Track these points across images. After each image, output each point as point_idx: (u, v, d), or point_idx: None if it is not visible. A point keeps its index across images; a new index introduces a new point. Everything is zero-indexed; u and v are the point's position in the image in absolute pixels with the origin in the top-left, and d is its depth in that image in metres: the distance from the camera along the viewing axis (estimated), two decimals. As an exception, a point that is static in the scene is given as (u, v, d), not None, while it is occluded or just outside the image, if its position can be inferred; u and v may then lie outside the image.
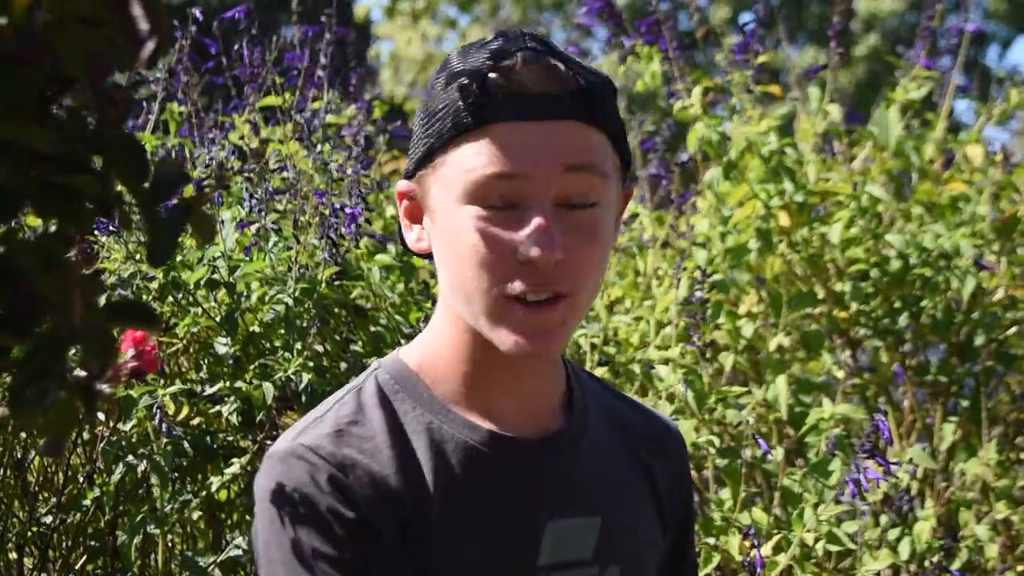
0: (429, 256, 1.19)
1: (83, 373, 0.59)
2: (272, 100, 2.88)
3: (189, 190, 0.60)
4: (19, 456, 2.26)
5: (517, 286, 1.09)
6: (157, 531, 2.11)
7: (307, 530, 1.09)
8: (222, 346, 2.25)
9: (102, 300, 0.59)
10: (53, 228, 0.56)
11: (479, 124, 1.10)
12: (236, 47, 2.98)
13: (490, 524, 1.14)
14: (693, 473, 2.80)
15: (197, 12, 2.89)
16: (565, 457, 1.19)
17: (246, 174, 2.41)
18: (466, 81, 1.11)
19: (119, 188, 0.58)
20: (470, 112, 1.11)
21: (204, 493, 2.18)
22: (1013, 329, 2.96)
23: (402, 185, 1.19)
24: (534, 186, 1.09)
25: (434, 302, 1.61)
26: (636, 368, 2.49)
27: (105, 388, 0.59)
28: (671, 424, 1.36)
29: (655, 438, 1.31)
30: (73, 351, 0.61)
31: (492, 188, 1.10)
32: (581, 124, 1.12)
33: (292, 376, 2.15)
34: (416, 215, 1.19)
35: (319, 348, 2.28)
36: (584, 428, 1.22)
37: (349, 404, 1.17)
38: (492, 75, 1.11)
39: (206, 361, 2.32)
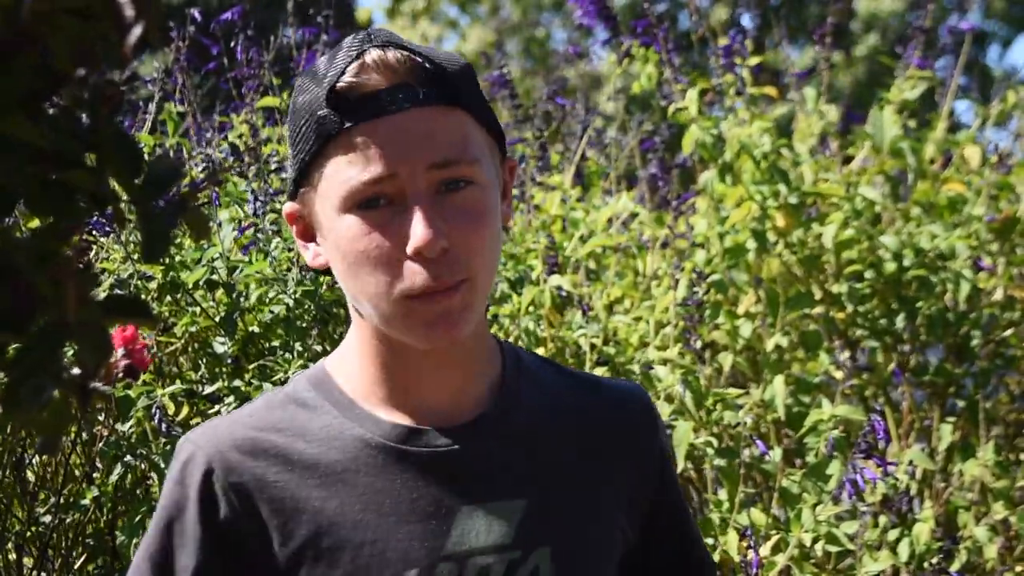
0: (328, 272, 1.20)
1: (77, 371, 0.59)
2: (270, 101, 2.88)
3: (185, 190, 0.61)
4: (18, 456, 2.26)
5: (417, 284, 1.11)
6: (156, 531, 2.11)
7: (168, 521, 1.15)
8: (220, 346, 2.25)
9: (100, 296, 0.59)
10: (48, 224, 0.56)
11: (340, 131, 1.12)
12: (233, 47, 2.98)
13: (389, 515, 1.15)
14: (692, 473, 2.81)
15: (196, 13, 2.89)
16: (485, 442, 1.19)
17: (240, 170, 2.41)
18: (320, 93, 1.13)
19: (114, 185, 0.58)
20: (328, 122, 1.12)
21: (203, 493, 2.17)
22: (1011, 330, 2.96)
23: (288, 207, 1.21)
24: (407, 182, 1.11)
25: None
26: (635, 368, 2.49)
27: (100, 386, 0.59)
28: (631, 394, 1.32)
29: (608, 413, 1.29)
30: (68, 349, 0.61)
31: (367, 192, 1.11)
32: (440, 107, 1.12)
33: (292, 376, 2.15)
34: (309, 234, 1.20)
35: (318, 348, 2.28)
36: (508, 411, 1.22)
37: (257, 404, 1.21)
38: (343, 81, 1.12)
39: (205, 361, 2.32)
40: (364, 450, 1.16)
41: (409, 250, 1.10)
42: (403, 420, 1.19)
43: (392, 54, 1.13)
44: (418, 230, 1.09)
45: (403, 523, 1.15)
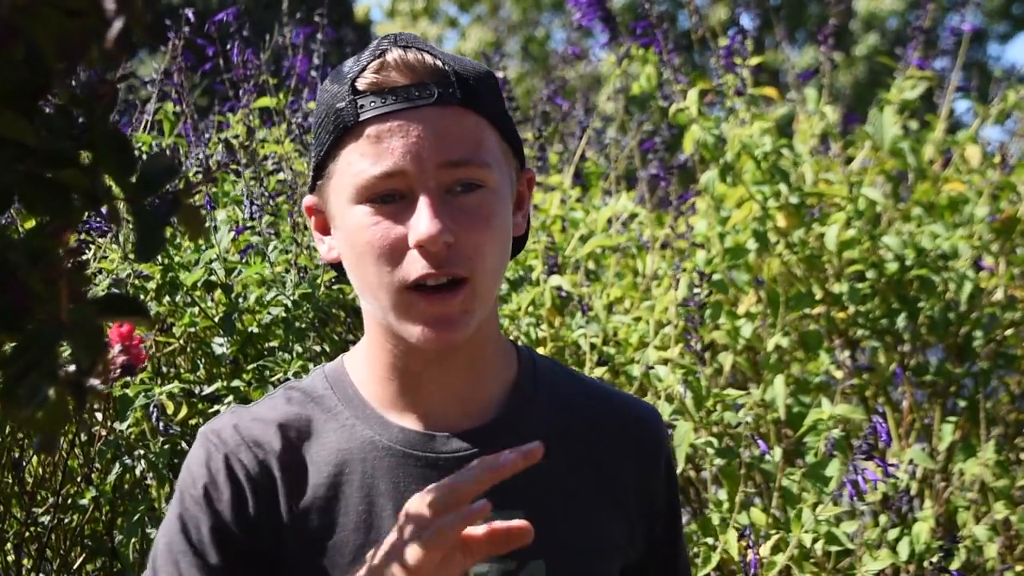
0: (341, 268, 1.21)
1: (73, 368, 0.58)
2: (266, 101, 2.87)
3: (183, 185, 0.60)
4: (16, 456, 2.26)
5: (415, 271, 1.12)
6: (154, 531, 2.11)
7: (189, 512, 1.16)
8: (219, 347, 2.25)
9: (96, 294, 0.59)
10: (42, 223, 0.56)
11: (355, 124, 1.13)
12: (229, 48, 2.98)
13: (389, 518, 1.15)
14: (692, 473, 2.80)
15: (189, 13, 2.89)
16: (491, 449, 1.16)
17: (237, 168, 2.41)
18: (341, 89, 1.15)
19: (109, 184, 0.58)
20: (345, 114, 1.14)
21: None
22: (1012, 329, 2.95)
23: (307, 200, 1.22)
24: (416, 178, 1.12)
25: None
26: (635, 368, 2.49)
27: (96, 384, 0.59)
28: (643, 412, 1.32)
29: (620, 427, 1.28)
30: (65, 347, 0.61)
31: (378, 186, 1.13)
32: (455, 108, 1.14)
33: (292, 377, 2.15)
34: (325, 227, 1.22)
35: (316, 349, 2.28)
36: (519, 419, 1.22)
37: (276, 399, 1.23)
38: (363, 77, 1.14)
39: (203, 361, 2.32)
40: (372, 452, 1.17)
41: (412, 242, 1.11)
42: (411, 424, 1.19)
43: (413, 55, 1.15)
44: (423, 223, 1.10)
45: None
